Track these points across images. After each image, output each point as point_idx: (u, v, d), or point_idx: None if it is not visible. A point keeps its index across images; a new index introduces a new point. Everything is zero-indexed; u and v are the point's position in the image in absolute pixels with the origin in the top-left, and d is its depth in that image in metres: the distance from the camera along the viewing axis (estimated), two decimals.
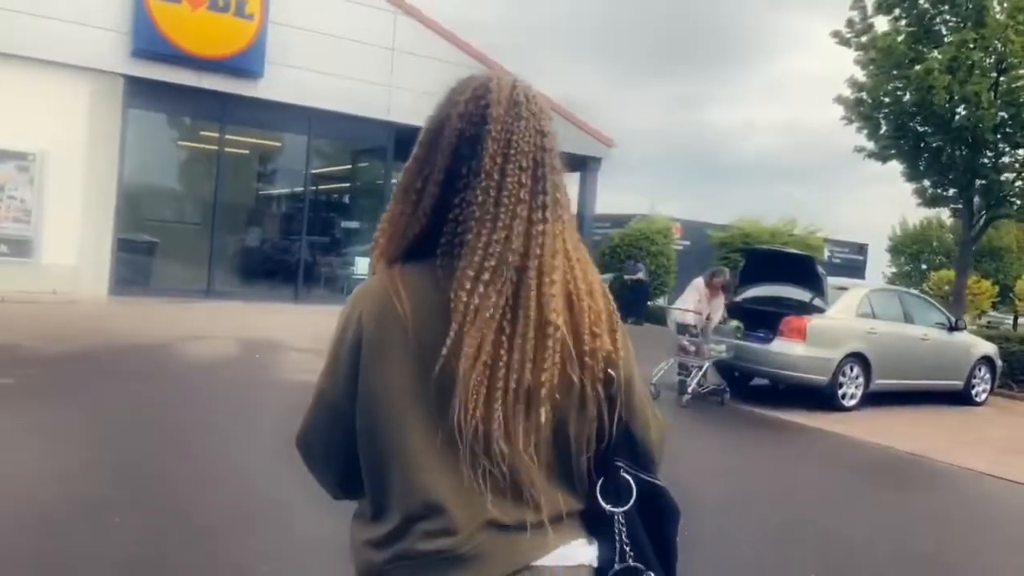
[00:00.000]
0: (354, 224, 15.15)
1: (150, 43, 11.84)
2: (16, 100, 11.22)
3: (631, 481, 1.17)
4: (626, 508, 1.15)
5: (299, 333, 9.66)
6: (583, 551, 1.14)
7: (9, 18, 10.98)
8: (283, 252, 14.39)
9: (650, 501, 1.19)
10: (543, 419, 1.08)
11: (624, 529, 1.15)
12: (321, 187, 15.16)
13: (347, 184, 16.26)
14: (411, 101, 14.48)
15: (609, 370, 1.14)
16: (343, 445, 1.16)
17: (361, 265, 14.41)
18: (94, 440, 5.08)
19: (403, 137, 14.55)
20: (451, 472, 1.07)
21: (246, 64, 12.59)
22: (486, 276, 1.06)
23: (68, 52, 11.43)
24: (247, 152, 14.21)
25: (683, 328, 8.52)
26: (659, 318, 16.62)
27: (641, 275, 16.45)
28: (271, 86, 12.95)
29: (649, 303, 16.82)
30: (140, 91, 12.15)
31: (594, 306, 1.14)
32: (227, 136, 13.04)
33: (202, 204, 13.41)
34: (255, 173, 14.69)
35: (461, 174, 1.10)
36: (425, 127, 1.17)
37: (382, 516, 1.13)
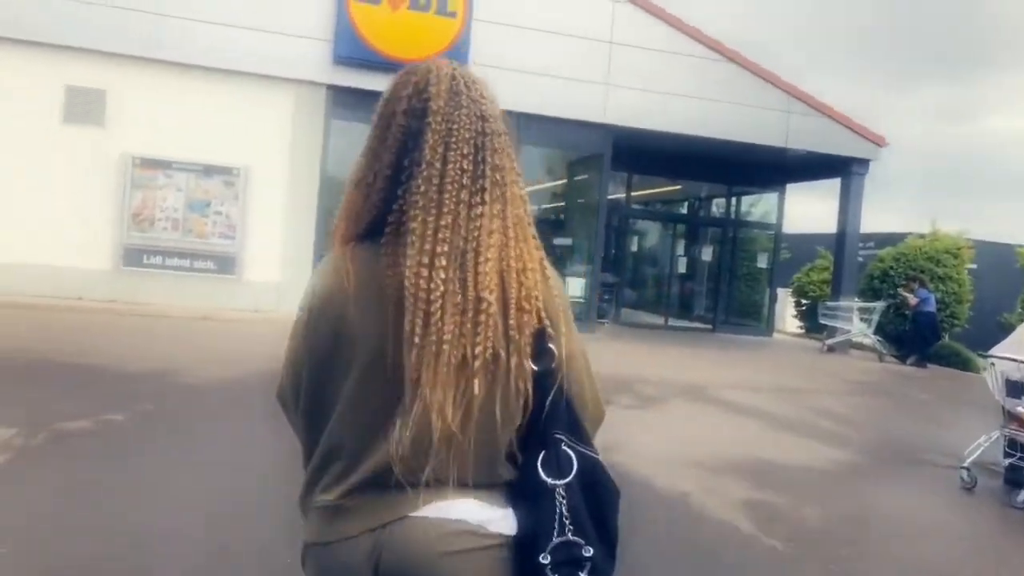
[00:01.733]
0: (567, 241, 13.55)
1: (351, 49, 11.23)
2: (220, 114, 11.13)
3: (572, 455, 1.19)
4: (567, 481, 1.17)
5: None
6: (480, 512, 1.16)
7: (211, 31, 10.91)
8: None
9: (589, 477, 1.21)
10: (476, 391, 1.13)
11: (564, 502, 1.16)
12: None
13: (559, 197, 14.75)
14: (632, 100, 12.70)
15: (549, 344, 1.19)
16: None
17: (574, 287, 12.78)
18: None
19: (622, 142, 12.76)
20: (371, 431, 1.15)
21: None
22: (441, 262, 1.12)
23: (271, 64, 11.15)
24: None
25: (1016, 388, 5.60)
26: (951, 359, 13.09)
27: (924, 302, 12.97)
28: None
29: (939, 339, 13.27)
30: (343, 100, 11.60)
31: (526, 282, 1.18)
32: None
33: None
34: None
35: (405, 166, 1.16)
36: (373, 123, 1.22)
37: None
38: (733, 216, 16.43)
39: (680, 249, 18.58)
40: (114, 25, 10.63)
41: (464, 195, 1.14)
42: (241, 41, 10.99)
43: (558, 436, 1.18)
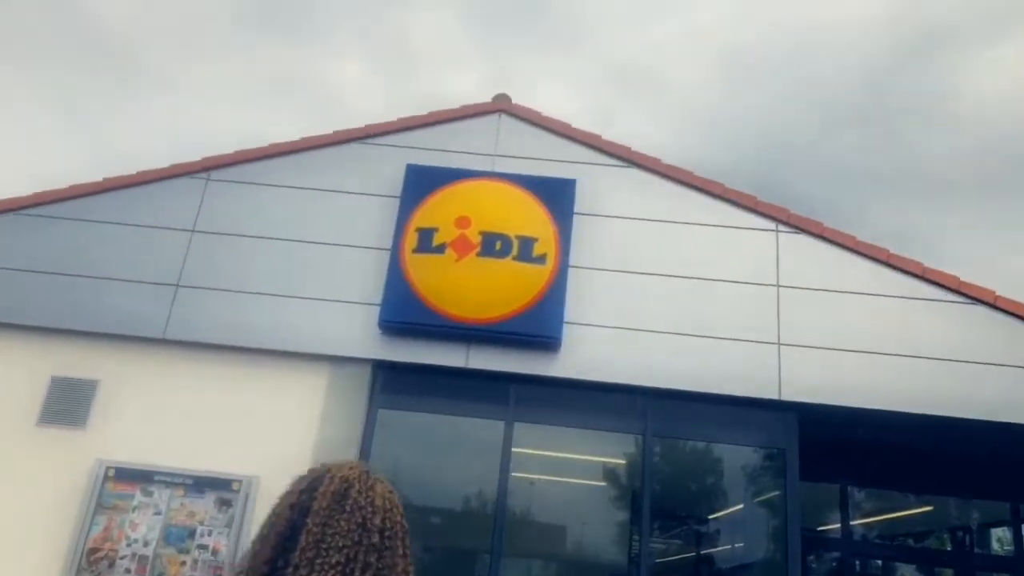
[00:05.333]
0: None
1: (404, 311, 8.24)
2: (227, 408, 8.23)
3: None
4: None
5: None
6: None
7: (223, 302, 8.47)
8: None
9: None
10: None
11: None
12: (671, 518, 8.87)
13: (726, 514, 9.70)
14: (818, 365, 8.39)
15: None
16: None
17: None
18: None
19: (809, 428, 8.19)
20: None
21: (534, 327, 8.16)
22: None
23: (299, 338, 8.37)
24: (540, 464, 8.87)
25: None
26: None
27: None
28: (576, 359, 8.21)
29: None
30: (392, 381, 8.39)
31: None
32: (516, 441, 8.21)
33: (481, 538, 8.24)
34: (560, 497, 9.04)
35: (278, 566, 1.16)
36: (268, 515, 1.24)
37: None
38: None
39: None
40: (115, 305, 8.53)
41: None
42: (263, 311, 8.43)
43: None
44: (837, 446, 9.30)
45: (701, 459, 8.71)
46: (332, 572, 1.10)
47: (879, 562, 12.20)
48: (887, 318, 8.33)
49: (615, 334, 8.32)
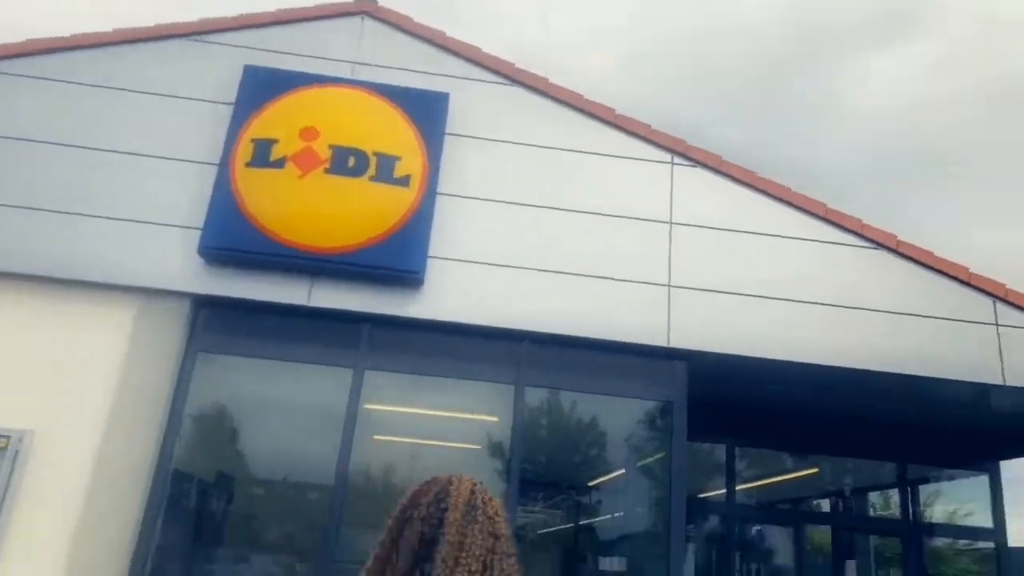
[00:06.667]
0: (616, 566, 7.53)
1: (229, 235, 6.81)
2: (5, 345, 6.62)
3: None
4: None
5: None
6: None
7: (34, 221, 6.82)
8: None
9: None
10: None
11: None
12: (534, 479, 7.79)
13: (609, 479, 8.73)
14: (710, 311, 7.55)
15: None
16: None
17: None
18: None
19: (698, 381, 7.35)
20: None
21: (392, 260, 6.92)
22: None
23: (97, 264, 6.81)
24: (391, 419, 7.65)
25: None
26: None
27: None
28: (440, 299, 7.03)
29: None
30: (216, 319, 6.98)
31: None
32: (364, 394, 6.98)
33: (317, 511, 6.93)
34: (408, 457, 7.80)
35: (418, 574, 1.21)
36: (389, 524, 1.31)
37: None
38: (912, 517, 9.94)
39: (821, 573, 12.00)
40: None
41: None
42: (50, 231, 6.81)
43: None
44: (726, 402, 8.56)
45: (580, 414, 7.72)
46: None
47: (761, 527, 11.74)
48: (785, 261, 7.56)
49: (487, 272, 7.18)
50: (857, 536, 11.01)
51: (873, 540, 10.74)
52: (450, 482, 1.31)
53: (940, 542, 10.21)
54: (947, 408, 8.29)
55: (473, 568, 1.20)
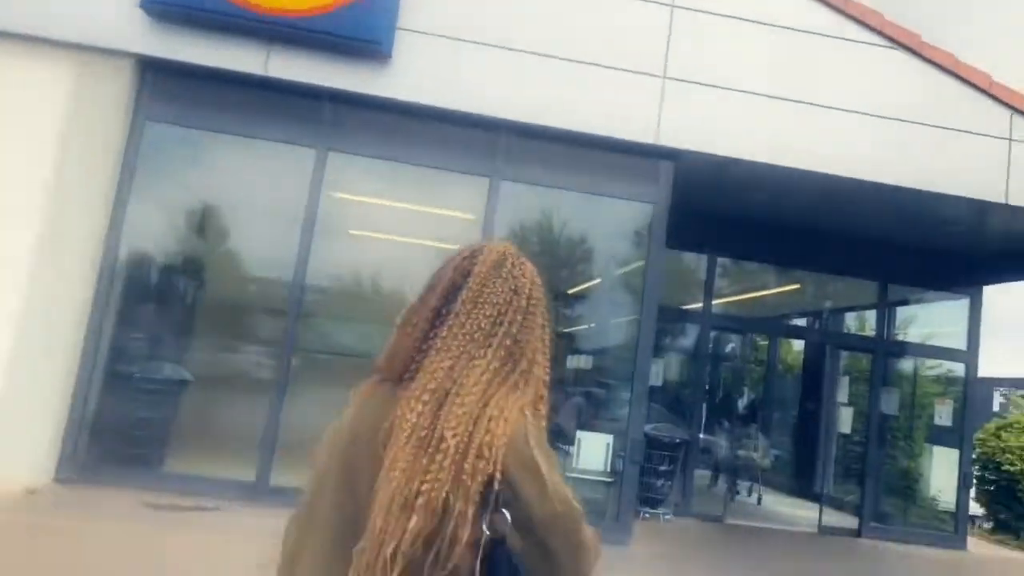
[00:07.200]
0: (585, 365, 7.50)
1: None
2: None
3: None
4: None
5: None
6: None
7: None
8: None
9: None
10: (411, 525, 1.17)
11: None
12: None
13: (588, 286, 8.46)
14: (706, 106, 6.98)
15: (503, 510, 1.20)
16: None
17: (594, 449, 6.74)
18: None
19: (684, 184, 6.91)
20: (343, 554, 1.21)
21: (356, 28, 6.20)
22: (425, 397, 1.25)
23: (22, 14, 6.09)
24: (355, 209, 7.25)
25: None
26: None
27: None
28: (409, 76, 6.40)
29: None
30: (164, 85, 6.38)
31: (494, 430, 1.23)
32: (328, 181, 6.54)
33: (278, 302, 6.70)
34: (379, 256, 7.48)
35: (442, 314, 1.34)
36: (430, 277, 1.42)
37: None
38: (887, 336, 9.96)
39: (790, 389, 12.24)
40: None
41: (471, 347, 1.29)
42: None
43: None
44: (710, 212, 8.19)
45: (559, 212, 7.35)
46: (484, 320, 1.29)
47: (738, 337, 11.86)
48: (794, 58, 6.87)
49: (462, 49, 6.50)
50: (830, 352, 11.14)
51: (851, 359, 10.85)
52: (486, 244, 1.43)
53: (911, 363, 10.32)
54: (939, 227, 7.96)
55: (488, 312, 1.31)
